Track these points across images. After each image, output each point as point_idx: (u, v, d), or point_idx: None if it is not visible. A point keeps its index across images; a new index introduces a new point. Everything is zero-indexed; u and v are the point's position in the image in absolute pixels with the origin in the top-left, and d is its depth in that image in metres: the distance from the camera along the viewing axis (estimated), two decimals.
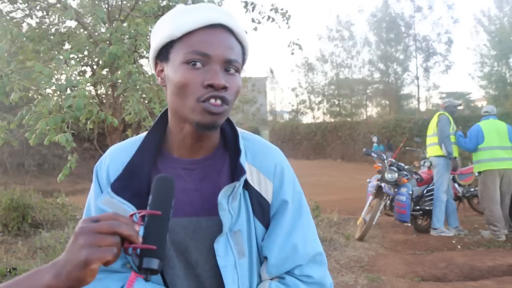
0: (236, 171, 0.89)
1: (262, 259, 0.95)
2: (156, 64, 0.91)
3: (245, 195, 0.92)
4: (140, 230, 0.68)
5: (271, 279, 0.94)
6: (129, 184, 0.89)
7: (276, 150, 1.00)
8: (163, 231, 0.69)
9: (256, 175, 0.93)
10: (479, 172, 5.54)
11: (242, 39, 0.88)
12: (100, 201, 0.89)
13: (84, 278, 0.62)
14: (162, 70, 0.89)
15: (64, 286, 0.62)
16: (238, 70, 0.86)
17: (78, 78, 3.21)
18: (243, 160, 0.91)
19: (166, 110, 0.96)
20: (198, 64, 0.82)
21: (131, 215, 0.70)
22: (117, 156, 0.95)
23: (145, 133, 0.96)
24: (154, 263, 0.67)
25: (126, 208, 0.86)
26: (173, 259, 0.91)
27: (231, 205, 0.87)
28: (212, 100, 0.82)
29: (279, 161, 0.97)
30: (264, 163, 0.95)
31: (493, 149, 5.39)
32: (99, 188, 0.94)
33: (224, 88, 0.82)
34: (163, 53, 0.87)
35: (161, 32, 0.87)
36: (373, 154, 6.06)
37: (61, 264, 0.63)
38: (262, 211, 0.93)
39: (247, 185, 0.92)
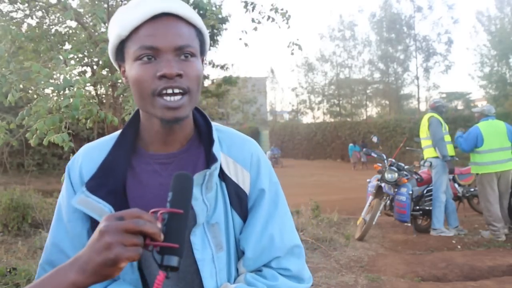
0: (210, 161, 0.88)
1: (240, 253, 0.94)
2: (119, 66, 0.90)
3: (222, 186, 0.91)
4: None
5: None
6: (104, 182, 0.87)
7: (251, 141, 0.99)
8: (183, 229, 0.70)
9: (233, 165, 0.93)
10: (477, 173, 5.52)
11: (193, 21, 0.85)
12: (75, 201, 0.87)
13: (112, 275, 0.64)
14: (124, 71, 0.88)
15: (90, 282, 0.63)
16: (194, 55, 0.84)
17: (77, 78, 3.21)
18: (216, 149, 0.90)
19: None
20: (149, 58, 0.81)
21: (152, 212, 0.70)
22: (90, 155, 0.93)
23: (118, 132, 0.95)
24: (175, 261, 0.68)
25: (102, 207, 0.85)
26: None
27: (205, 195, 0.86)
28: (169, 93, 0.80)
29: (255, 151, 0.96)
30: (240, 153, 0.94)
31: (493, 152, 5.33)
32: (72, 188, 0.91)
33: (179, 75, 0.80)
34: (119, 54, 0.87)
35: (111, 33, 0.86)
36: (373, 154, 6.07)
37: (84, 260, 0.63)
38: (240, 202, 0.93)
39: (224, 176, 0.91)
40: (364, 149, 6.37)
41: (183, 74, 0.81)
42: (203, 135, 0.93)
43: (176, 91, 0.80)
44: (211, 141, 0.91)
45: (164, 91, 0.80)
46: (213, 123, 0.97)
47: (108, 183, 0.87)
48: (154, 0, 0.82)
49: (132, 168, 0.91)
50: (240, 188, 0.92)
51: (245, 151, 0.95)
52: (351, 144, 20.70)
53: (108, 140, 0.94)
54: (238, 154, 0.94)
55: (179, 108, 0.81)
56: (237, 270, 0.93)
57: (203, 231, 0.88)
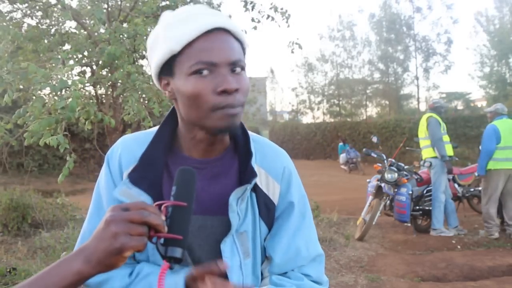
0: (246, 174, 0.91)
1: (264, 258, 0.97)
2: (160, 79, 0.90)
3: (252, 197, 0.94)
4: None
5: None
6: (145, 176, 0.90)
7: (284, 153, 1.02)
8: (187, 222, 0.72)
9: (264, 177, 0.96)
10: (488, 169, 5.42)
11: (239, 36, 0.88)
12: (117, 193, 0.90)
13: (116, 264, 0.65)
14: (167, 84, 0.88)
15: (95, 271, 0.65)
16: (244, 68, 0.87)
17: (74, 78, 3.21)
18: (254, 163, 0.93)
19: (174, 109, 0.96)
20: (206, 72, 0.82)
21: (157, 205, 0.72)
22: (129, 146, 0.96)
23: (154, 128, 0.98)
24: (178, 252, 0.70)
25: (144, 199, 0.88)
26: None
27: (239, 206, 0.89)
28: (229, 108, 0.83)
29: (287, 165, 0.99)
30: (273, 166, 0.97)
31: (508, 149, 5.29)
32: (111, 176, 0.95)
33: (236, 90, 0.83)
34: (166, 69, 0.86)
35: (159, 48, 0.86)
36: (373, 154, 6.07)
37: (90, 250, 0.65)
38: (268, 212, 0.96)
39: (255, 187, 0.94)
40: (364, 149, 6.37)
41: (239, 89, 0.83)
42: (240, 145, 0.96)
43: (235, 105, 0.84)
44: (248, 153, 0.94)
45: (225, 108, 0.83)
46: (249, 133, 0.98)
47: (149, 176, 0.91)
48: (204, 15, 0.84)
49: (167, 166, 0.94)
50: (269, 199, 0.96)
51: (278, 163, 0.98)
52: (340, 143, 20.71)
53: (146, 134, 0.97)
54: (270, 166, 0.97)
55: (236, 115, 0.84)
56: (261, 274, 0.97)
57: (232, 239, 0.91)
